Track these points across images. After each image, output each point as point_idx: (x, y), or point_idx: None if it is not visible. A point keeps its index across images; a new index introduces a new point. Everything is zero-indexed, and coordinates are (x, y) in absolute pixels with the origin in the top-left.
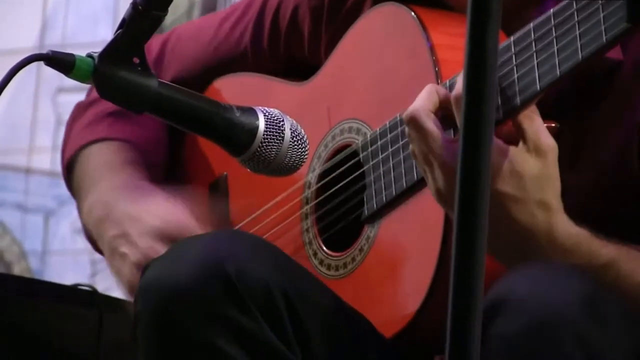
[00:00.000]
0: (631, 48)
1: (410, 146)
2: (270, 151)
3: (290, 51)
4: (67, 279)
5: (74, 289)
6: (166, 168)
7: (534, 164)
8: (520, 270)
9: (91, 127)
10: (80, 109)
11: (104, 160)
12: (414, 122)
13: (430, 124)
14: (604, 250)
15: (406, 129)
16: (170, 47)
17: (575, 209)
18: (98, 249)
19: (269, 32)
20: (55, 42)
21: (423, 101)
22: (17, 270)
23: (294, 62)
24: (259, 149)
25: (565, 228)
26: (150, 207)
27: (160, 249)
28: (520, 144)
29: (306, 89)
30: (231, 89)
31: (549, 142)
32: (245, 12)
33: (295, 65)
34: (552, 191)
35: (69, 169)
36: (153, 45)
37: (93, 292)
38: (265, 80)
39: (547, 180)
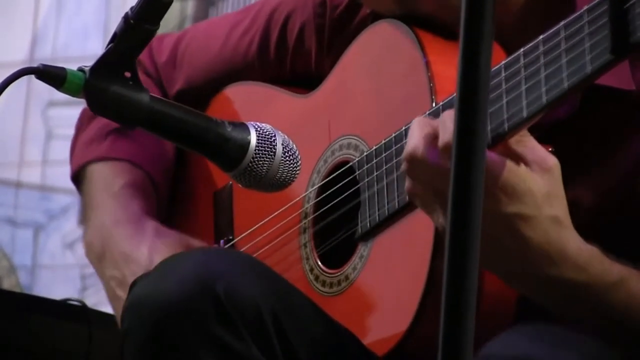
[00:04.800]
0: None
1: (409, 184)
2: (261, 166)
3: (297, 66)
4: (57, 294)
5: (63, 304)
6: (171, 181)
7: (542, 182)
8: (516, 331)
9: (94, 143)
10: (85, 118)
11: (103, 185)
12: (415, 160)
13: (434, 157)
14: (615, 268)
15: (405, 168)
16: (182, 51)
17: (585, 227)
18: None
19: (276, 46)
20: (45, 56)
21: (418, 138)
22: (7, 284)
23: (300, 73)
24: (250, 164)
25: (577, 244)
26: (144, 248)
27: None
28: (522, 165)
29: (308, 101)
30: (237, 98)
31: (552, 160)
32: (252, 23)
33: (301, 75)
34: (562, 207)
35: (76, 181)
36: (164, 46)
37: (83, 307)
38: (270, 91)
39: (556, 196)
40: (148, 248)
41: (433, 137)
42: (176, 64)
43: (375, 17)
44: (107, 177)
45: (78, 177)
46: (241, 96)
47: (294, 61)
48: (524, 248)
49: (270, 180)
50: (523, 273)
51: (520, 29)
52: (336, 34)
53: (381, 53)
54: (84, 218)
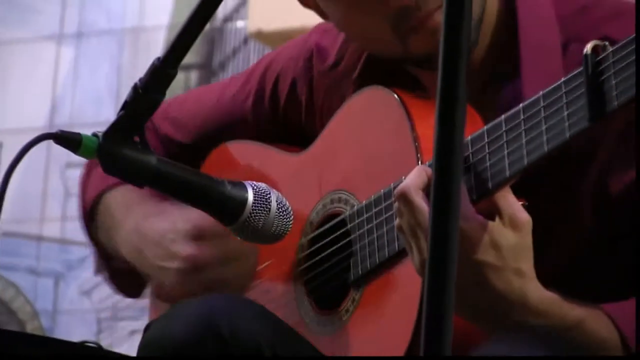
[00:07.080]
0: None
1: (397, 220)
2: (258, 221)
3: (288, 121)
4: (75, 336)
5: (81, 346)
6: None
7: (510, 236)
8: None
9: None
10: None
11: (129, 198)
12: (404, 197)
13: (419, 199)
14: (573, 312)
15: (395, 204)
16: (178, 108)
17: (550, 275)
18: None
19: (270, 100)
20: (63, 122)
21: (412, 179)
22: (30, 328)
23: (292, 129)
24: (247, 219)
25: (538, 293)
26: (176, 215)
27: (198, 250)
28: (497, 219)
29: (300, 158)
30: (232, 156)
31: (524, 217)
32: (246, 82)
33: (293, 131)
34: (527, 260)
35: (91, 215)
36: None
37: (98, 349)
38: (264, 149)
39: (522, 250)
40: (176, 213)
41: (423, 182)
42: (171, 119)
43: (361, 77)
44: (130, 193)
45: (92, 211)
46: (236, 154)
47: (286, 115)
48: (487, 294)
49: (265, 233)
50: (486, 316)
51: (479, 90)
52: (323, 85)
53: (369, 115)
54: (112, 230)
